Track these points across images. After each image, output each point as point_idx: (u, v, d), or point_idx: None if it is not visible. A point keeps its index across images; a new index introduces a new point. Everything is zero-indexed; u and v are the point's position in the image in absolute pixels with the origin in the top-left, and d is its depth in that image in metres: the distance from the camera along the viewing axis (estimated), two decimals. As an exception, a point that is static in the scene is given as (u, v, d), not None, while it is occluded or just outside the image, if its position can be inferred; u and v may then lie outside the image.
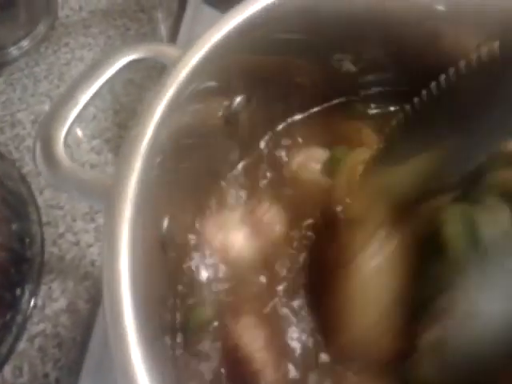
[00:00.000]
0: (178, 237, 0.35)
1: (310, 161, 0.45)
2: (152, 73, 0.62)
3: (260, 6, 0.35)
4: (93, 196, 0.30)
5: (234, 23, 0.34)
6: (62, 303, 0.52)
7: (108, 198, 0.26)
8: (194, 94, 0.33)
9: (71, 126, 0.33)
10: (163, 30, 0.70)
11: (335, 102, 0.47)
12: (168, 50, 0.36)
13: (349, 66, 0.45)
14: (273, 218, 0.42)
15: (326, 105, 0.47)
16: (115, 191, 0.26)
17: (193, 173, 0.37)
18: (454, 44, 0.45)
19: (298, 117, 0.47)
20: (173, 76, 0.31)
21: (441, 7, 0.42)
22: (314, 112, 0.48)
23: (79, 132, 0.60)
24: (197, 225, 0.40)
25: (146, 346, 0.24)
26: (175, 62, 0.32)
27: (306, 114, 0.47)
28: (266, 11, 0.36)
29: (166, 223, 0.33)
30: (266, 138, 0.46)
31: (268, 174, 0.44)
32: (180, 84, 0.31)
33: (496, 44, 0.28)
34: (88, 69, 0.35)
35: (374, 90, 0.48)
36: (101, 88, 0.35)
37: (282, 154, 0.45)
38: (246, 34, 0.35)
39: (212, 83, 0.35)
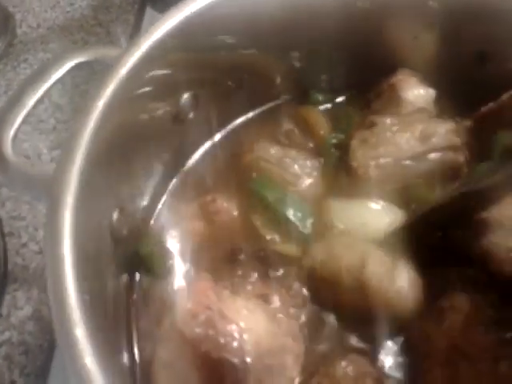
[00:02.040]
0: (128, 227, 0.36)
1: (260, 160, 0.46)
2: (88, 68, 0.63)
3: (199, 5, 0.37)
4: (38, 188, 0.31)
5: (173, 22, 0.36)
6: (27, 311, 0.52)
7: (49, 187, 0.27)
8: (137, 91, 0.35)
9: (19, 128, 0.34)
10: (123, 42, 0.71)
11: (283, 98, 0.49)
12: (112, 52, 0.37)
13: (294, 63, 0.47)
14: (227, 212, 0.43)
15: (273, 103, 0.49)
16: (56, 179, 0.27)
17: (141, 168, 0.38)
18: (395, 37, 0.47)
19: (249, 114, 0.49)
20: (113, 73, 0.32)
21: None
22: (265, 109, 0.49)
23: (40, 144, 0.61)
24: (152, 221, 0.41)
25: (90, 325, 0.25)
26: (116, 60, 0.33)
27: (257, 110, 0.49)
28: (206, 11, 0.37)
29: (115, 215, 0.34)
30: (218, 134, 0.47)
31: (219, 172, 0.45)
32: (120, 80, 0.33)
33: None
34: (34, 72, 0.36)
35: (323, 85, 0.50)
36: (47, 90, 0.36)
37: (234, 150, 0.47)
38: (187, 32, 0.37)
39: (155, 80, 0.36)
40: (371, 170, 0.41)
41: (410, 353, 0.35)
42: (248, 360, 0.31)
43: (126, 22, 0.72)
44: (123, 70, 0.33)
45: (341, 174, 0.44)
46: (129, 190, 0.37)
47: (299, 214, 0.40)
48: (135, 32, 0.71)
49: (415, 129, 0.42)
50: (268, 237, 0.41)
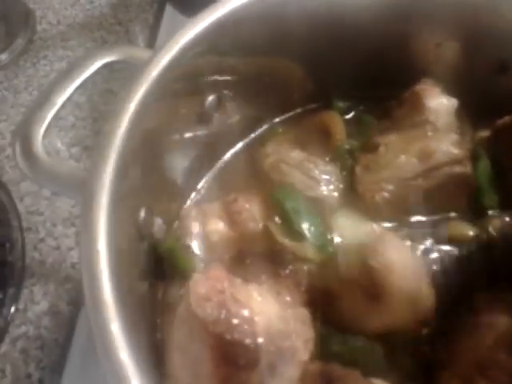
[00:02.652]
0: (154, 225, 0.37)
1: (281, 162, 0.46)
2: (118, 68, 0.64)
3: (227, 9, 0.37)
4: (70, 187, 0.32)
5: (201, 26, 0.36)
6: (43, 306, 0.53)
7: (84, 187, 0.28)
8: (166, 93, 0.35)
9: (49, 125, 0.35)
10: (141, 41, 0.72)
11: (306, 105, 0.49)
12: (140, 53, 0.38)
13: (317, 70, 0.48)
14: (248, 213, 0.43)
15: (296, 109, 0.50)
16: (91, 180, 0.28)
17: (168, 168, 0.38)
18: (417, 45, 0.48)
19: (275, 120, 0.49)
20: (144, 75, 0.33)
21: (404, 9, 0.44)
22: (289, 115, 0.50)
23: (58, 141, 0.62)
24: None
25: (125, 318, 0.25)
26: (146, 63, 0.34)
27: (281, 116, 0.50)
28: (233, 15, 0.38)
29: (142, 213, 0.35)
30: (243, 137, 0.47)
31: (243, 173, 0.46)
32: (151, 83, 0.33)
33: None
34: (63, 71, 0.37)
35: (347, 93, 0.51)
36: (76, 89, 0.36)
37: (258, 153, 0.47)
38: (214, 36, 0.37)
39: (182, 83, 0.37)
40: (377, 195, 0.42)
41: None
42: (260, 341, 0.32)
43: (145, 22, 0.73)
44: (154, 73, 0.33)
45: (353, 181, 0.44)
46: (157, 190, 0.38)
47: (312, 228, 0.40)
48: (154, 32, 0.71)
49: (416, 148, 0.43)
50: (282, 241, 0.42)
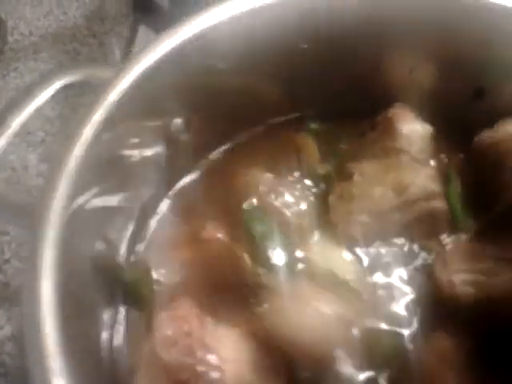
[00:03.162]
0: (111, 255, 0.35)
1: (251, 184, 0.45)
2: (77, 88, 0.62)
3: (193, 31, 0.36)
4: (22, 217, 0.30)
5: (166, 47, 0.35)
6: (7, 331, 0.51)
7: (30, 220, 0.26)
8: (127, 116, 0.34)
9: (1, 150, 0.33)
10: (115, 54, 0.70)
11: (275, 120, 0.48)
12: (101, 73, 0.36)
13: (288, 89, 0.47)
14: (217, 241, 0.42)
15: (265, 127, 0.48)
16: (39, 210, 0.26)
17: (128, 193, 0.37)
18: (392, 67, 0.47)
19: (240, 138, 0.48)
20: (102, 98, 0.31)
21: (381, 32, 0.43)
22: (257, 133, 0.49)
23: (27, 156, 0.60)
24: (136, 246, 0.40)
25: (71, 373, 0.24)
26: (105, 84, 0.32)
27: (249, 134, 0.48)
28: (202, 34, 0.37)
29: (99, 244, 0.33)
30: (209, 158, 0.46)
31: (209, 195, 0.44)
32: (110, 106, 0.32)
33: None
34: (17, 94, 0.35)
35: (316, 110, 0.49)
36: (34, 111, 0.35)
37: (225, 175, 0.46)
38: (179, 57, 0.36)
39: (146, 106, 0.35)
40: (350, 226, 0.40)
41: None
42: None
43: (120, 35, 0.71)
44: (112, 96, 0.32)
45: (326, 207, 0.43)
46: (114, 217, 0.36)
47: (282, 253, 0.39)
48: (129, 45, 0.69)
49: (390, 179, 0.41)
50: (252, 268, 0.40)
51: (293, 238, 0.41)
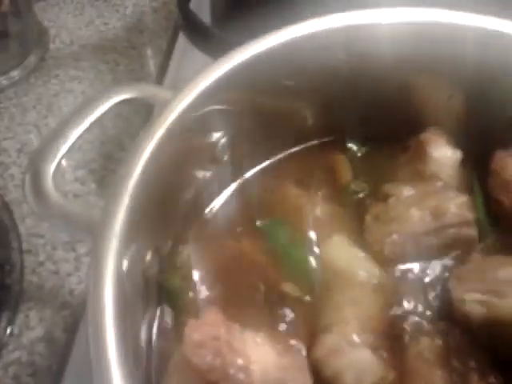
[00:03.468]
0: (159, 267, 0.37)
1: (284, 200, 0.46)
2: (139, 108, 0.64)
3: (248, 55, 0.38)
4: (79, 229, 0.32)
5: (222, 71, 0.36)
6: (38, 332, 0.52)
7: (95, 233, 0.28)
8: (180, 136, 0.35)
9: (60, 161, 0.35)
10: (152, 66, 0.72)
11: (311, 143, 0.49)
12: (158, 92, 0.38)
13: (327, 111, 0.48)
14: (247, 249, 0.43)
15: (302, 146, 0.50)
16: (102, 228, 0.28)
17: (176, 206, 0.38)
18: (429, 94, 0.48)
19: (282, 154, 0.49)
20: (161, 119, 0.33)
21: (418, 59, 0.45)
22: (294, 151, 0.50)
23: (64, 162, 0.61)
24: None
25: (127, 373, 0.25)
26: (165, 105, 0.34)
27: (286, 152, 0.50)
28: (254, 60, 0.38)
29: (149, 256, 0.35)
30: (247, 175, 0.47)
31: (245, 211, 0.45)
32: (168, 126, 0.33)
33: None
34: (79, 105, 0.37)
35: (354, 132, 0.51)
36: (91, 125, 0.36)
37: (260, 191, 0.47)
38: (233, 81, 0.37)
39: (198, 125, 0.37)
40: (386, 246, 0.41)
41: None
42: None
43: (158, 47, 0.73)
44: (172, 116, 0.33)
45: (355, 224, 0.44)
46: (162, 230, 0.38)
47: (308, 264, 0.41)
48: (166, 58, 0.71)
49: (428, 204, 0.42)
50: (280, 281, 0.41)
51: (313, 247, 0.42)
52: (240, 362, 0.32)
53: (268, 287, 0.41)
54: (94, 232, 0.28)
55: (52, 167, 0.34)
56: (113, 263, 0.27)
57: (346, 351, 0.35)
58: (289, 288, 0.41)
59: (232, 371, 0.31)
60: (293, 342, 0.38)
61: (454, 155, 0.46)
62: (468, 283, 0.38)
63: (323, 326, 0.37)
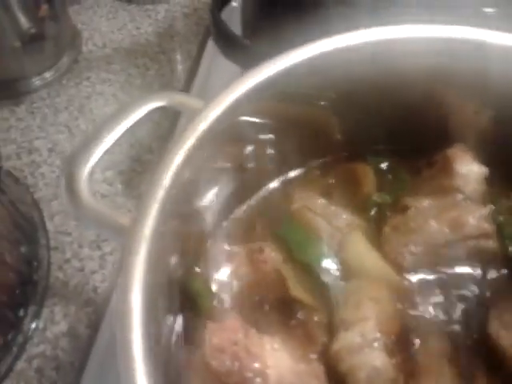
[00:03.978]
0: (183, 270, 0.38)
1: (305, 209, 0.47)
2: (167, 112, 0.66)
3: (277, 68, 0.38)
4: (111, 232, 0.33)
5: (251, 84, 0.37)
6: (62, 327, 0.54)
7: (126, 237, 0.29)
8: (210, 145, 0.36)
9: (95, 166, 0.36)
10: (181, 72, 0.74)
11: (337, 155, 0.50)
12: (190, 101, 0.39)
13: (353, 124, 0.49)
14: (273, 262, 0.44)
15: (326, 158, 0.50)
16: (133, 234, 0.29)
17: (199, 213, 0.39)
18: (453, 110, 0.48)
19: (304, 167, 0.50)
20: (192, 128, 0.34)
21: (444, 74, 0.45)
22: (319, 163, 0.51)
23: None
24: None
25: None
26: (195, 115, 0.35)
27: (311, 164, 0.50)
28: (282, 73, 0.39)
29: (174, 259, 0.36)
30: (271, 184, 0.48)
31: (268, 218, 0.46)
32: (197, 136, 0.34)
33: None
34: (113, 113, 0.38)
35: (379, 146, 0.51)
36: (126, 131, 0.38)
37: (284, 200, 0.48)
38: (262, 93, 0.38)
39: (227, 135, 0.38)
40: (403, 257, 0.42)
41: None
42: None
43: (188, 53, 0.75)
44: (202, 126, 0.34)
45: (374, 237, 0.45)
46: (187, 234, 0.39)
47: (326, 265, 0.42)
48: (195, 64, 0.73)
49: (448, 216, 0.43)
50: (293, 287, 0.42)
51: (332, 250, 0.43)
52: (257, 366, 0.33)
53: (284, 295, 0.42)
54: (125, 236, 0.30)
55: (86, 170, 0.36)
56: (141, 268, 0.28)
57: (363, 350, 0.36)
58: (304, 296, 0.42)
59: (249, 375, 0.33)
60: (309, 349, 0.38)
61: (481, 171, 0.46)
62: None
63: (342, 322, 0.38)
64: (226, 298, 0.43)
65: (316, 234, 0.45)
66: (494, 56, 0.44)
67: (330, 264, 0.43)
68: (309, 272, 0.42)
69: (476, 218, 0.42)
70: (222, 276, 0.43)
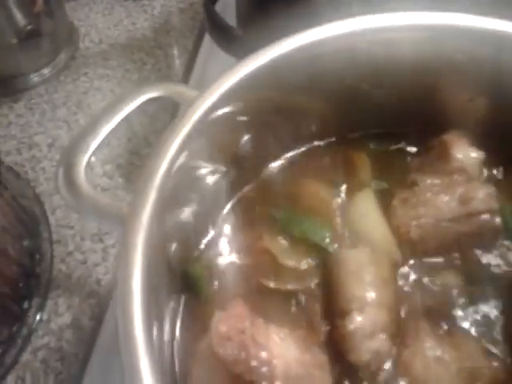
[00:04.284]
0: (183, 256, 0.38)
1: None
2: (165, 105, 0.66)
3: (270, 57, 0.39)
4: (109, 221, 0.34)
5: (244, 72, 0.38)
6: (66, 319, 0.54)
7: (124, 225, 0.30)
8: (205, 132, 0.37)
9: (91, 156, 0.37)
10: (178, 66, 0.74)
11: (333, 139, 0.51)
12: (185, 91, 0.39)
13: (347, 109, 0.49)
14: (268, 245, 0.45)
15: (321, 142, 0.51)
16: (131, 220, 0.29)
17: (197, 206, 0.40)
18: (449, 96, 0.49)
19: (299, 150, 0.50)
20: (187, 117, 0.34)
21: (438, 61, 0.46)
22: (312, 147, 0.51)
23: (93, 157, 0.64)
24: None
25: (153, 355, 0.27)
26: (190, 103, 0.35)
27: (304, 148, 0.51)
28: (276, 62, 0.40)
29: (173, 246, 0.36)
30: (269, 168, 0.49)
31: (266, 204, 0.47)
32: (193, 124, 0.35)
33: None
34: (109, 103, 0.39)
35: (374, 130, 0.52)
36: (120, 122, 0.38)
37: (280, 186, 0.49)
38: (256, 81, 0.39)
39: (221, 125, 0.38)
40: (412, 229, 0.43)
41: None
42: None
43: (184, 47, 0.75)
44: (196, 114, 0.35)
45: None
46: (186, 225, 0.39)
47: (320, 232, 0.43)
48: (192, 58, 0.73)
49: (456, 191, 0.44)
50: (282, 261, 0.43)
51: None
52: (263, 355, 0.33)
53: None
54: (123, 223, 0.30)
55: (84, 161, 0.36)
56: (141, 254, 0.29)
57: (374, 334, 0.36)
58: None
59: (255, 364, 0.33)
60: (312, 339, 0.39)
61: (478, 155, 0.47)
62: None
63: (350, 305, 0.38)
64: (226, 283, 0.43)
65: (317, 216, 0.45)
66: (486, 42, 0.44)
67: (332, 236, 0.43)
68: (309, 247, 0.43)
69: (484, 194, 0.43)
70: (222, 261, 0.44)
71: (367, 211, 0.45)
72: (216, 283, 0.43)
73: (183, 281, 0.41)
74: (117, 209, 0.33)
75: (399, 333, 0.38)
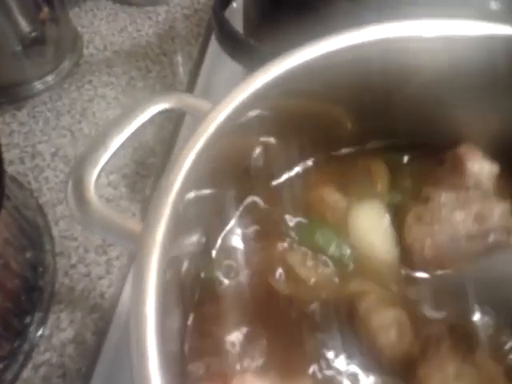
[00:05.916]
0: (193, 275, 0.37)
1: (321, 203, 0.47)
2: (170, 115, 0.65)
3: (284, 68, 0.38)
4: (120, 239, 0.32)
5: (259, 84, 0.37)
6: (69, 334, 0.53)
7: (137, 243, 0.28)
8: (219, 146, 0.36)
9: (101, 170, 0.35)
10: (183, 73, 0.73)
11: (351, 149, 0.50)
12: (197, 103, 0.38)
13: (366, 119, 0.48)
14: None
15: (339, 152, 0.50)
16: (145, 239, 0.28)
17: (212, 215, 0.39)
18: (463, 108, 0.48)
19: (314, 159, 0.50)
20: (202, 131, 0.33)
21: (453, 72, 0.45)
22: (331, 156, 0.50)
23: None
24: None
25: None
26: (204, 117, 0.34)
27: (322, 157, 0.50)
28: (290, 73, 0.38)
29: (186, 264, 0.35)
30: (282, 178, 0.48)
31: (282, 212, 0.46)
32: (207, 138, 0.34)
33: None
34: (120, 116, 0.38)
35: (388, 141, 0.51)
36: (131, 135, 0.37)
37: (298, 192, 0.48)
38: (271, 92, 0.38)
39: (234, 137, 0.37)
40: (426, 247, 0.42)
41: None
42: None
43: (189, 54, 0.74)
44: (211, 129, 0.34)
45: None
46: (199, 238, 0.38)
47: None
48: (197, 65, 0.72)
49: (471, 208, 0.43)
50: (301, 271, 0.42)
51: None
52: None
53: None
54: (135, 241, 0.29)
55: (93, 176, 0.35)
56: (155, 274, 0.28)
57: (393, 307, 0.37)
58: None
59: None
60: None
61: (492, 168, 0.46)
62: None
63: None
64: (238, 288, 0.42)
65: (331, 227, 0.45)
66: (500, 51, 0.43)
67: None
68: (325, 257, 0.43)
69: (500, 211, 0.42)
70: (237, 269, 0.43)
71: (373, 226, 0.45)
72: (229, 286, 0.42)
73: (193, 298, 0.40)
74: (129, 227, 0.32)
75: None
